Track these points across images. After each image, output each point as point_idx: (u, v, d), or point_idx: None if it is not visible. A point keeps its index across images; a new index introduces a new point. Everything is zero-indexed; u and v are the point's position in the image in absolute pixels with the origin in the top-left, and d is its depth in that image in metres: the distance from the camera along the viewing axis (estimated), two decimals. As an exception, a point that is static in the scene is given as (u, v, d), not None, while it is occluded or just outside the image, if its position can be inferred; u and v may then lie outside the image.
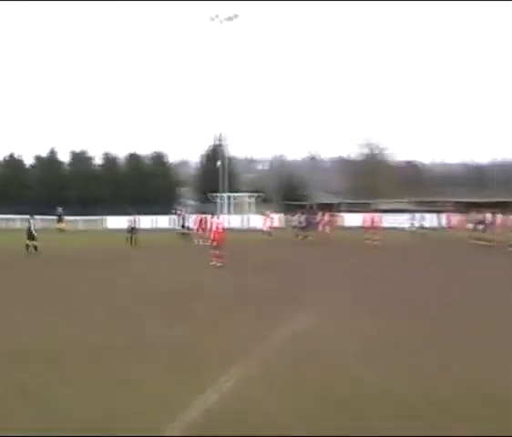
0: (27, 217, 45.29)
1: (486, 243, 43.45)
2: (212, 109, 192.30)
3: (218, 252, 32.85)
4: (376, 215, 52.22)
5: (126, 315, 19.48)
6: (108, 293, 24.65)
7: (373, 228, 48.46)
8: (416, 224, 57.74)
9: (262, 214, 60.54)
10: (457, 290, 24.41)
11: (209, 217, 46.87)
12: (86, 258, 40.26)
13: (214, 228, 34.55)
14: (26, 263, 37.26)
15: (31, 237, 42.50)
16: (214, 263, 32.07)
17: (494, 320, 18.12)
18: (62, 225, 66.99)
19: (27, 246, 41.86)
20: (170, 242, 51.39)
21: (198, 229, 49.23)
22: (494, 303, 21.01)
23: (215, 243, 33.44)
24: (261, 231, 54.58)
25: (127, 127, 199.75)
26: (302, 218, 54.67)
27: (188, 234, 53.19)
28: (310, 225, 56.76)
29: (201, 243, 44.68)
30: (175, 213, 63.03)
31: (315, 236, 51.45)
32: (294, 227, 55.79)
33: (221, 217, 53.83)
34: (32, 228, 43.08)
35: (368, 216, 51.19)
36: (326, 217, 53.75)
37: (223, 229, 34.87)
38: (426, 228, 56.25)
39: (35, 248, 41.66)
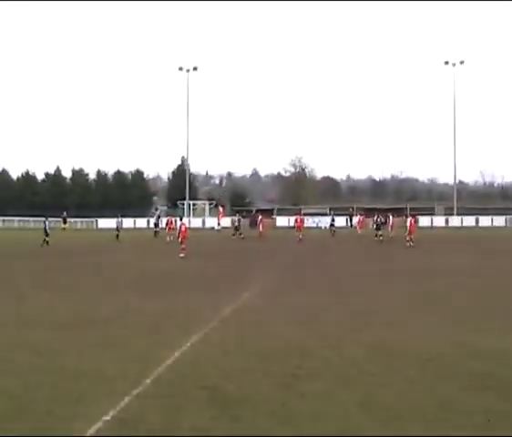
0: (43, 219, 45.83)
1: (382, 238, 44.27)
2: (178, 133, 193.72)
3: (183, 246, 32.81)
4: (301, 217, 53.05)
5: (111, 290, 19.62)
6: (99, 275, 24.82)
7: (299, 227, 49.05)
8: (328, 224, 58.78)
9: (217, 207, 60.38)
10: (359, 271, 24.80)
11: (176, 219, 46.93)
12: (83, 249, 41.12)
13: (180, 228, 34.62)
14: (42, 253, 37.44)
15: (46, 234, 43.32)
16: (182, 255, 32.05)
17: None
18: (65, 225, 67.36)
19: (44, 241, 42.48)
20: (147, 239, 51.12)
21: (167, 228, 49.02)
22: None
23: (181, 239, 33.46)
24: (213, 228, 54.65)
25: (114, 148, 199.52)
26: (236, 219, 54.56)
27: (159, 232, 52.93)
28: (251, 224, 56.90)
29: (171, 239, 44.59)
30: (152, 215, 62.84)
31: (254, 233, 51.78)
32: (233, 227, 55.44)
33: (185, 219, 53.61)
34: (47, 227, 44.14)
35: (296, 217, 52.12)
36: (261, 219, 53.95)
37: (186, 229, 34.92)
38: (336, 227, 56.91)
39: (47, 242, 42.44)
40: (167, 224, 50.06)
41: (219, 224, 63.47)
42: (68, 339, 12.35)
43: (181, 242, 33.16)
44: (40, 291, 19.76)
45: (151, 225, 60.77)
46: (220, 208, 60.85)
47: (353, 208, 77.14)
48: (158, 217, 58.36)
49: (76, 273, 25.45)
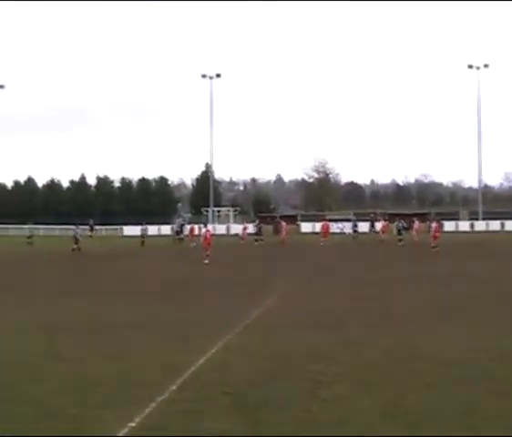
0: (73, 227, 46.72)
1: (403, 243, 44.34)
2: (202, 139, 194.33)
3: (207, 253, 33.02)
4: (327, 223, 53.31)
5: (137, 296, 19.86)
6: (126, 281, 25.19)
7: (325, 233, 49.17)
8: (351, 230, 58.85)
9: (242, 223, 60.69)
10: (379, 276, 24.73)
11: (200, 225, 47.46)
12: (110, 256, 41.86)
13: (204, 235, 34.79)
14: (72, 259, 38.56)
15: (76, 241, 43.93)
16: (206, 261, 32.27)
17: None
18: (92, 233, 67.90)
19: (73, 248, 42.95)
20: (171, 245, 51.45)
21: (190, 235, 49.23)
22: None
23: (205, 246, 33.61)
24: (239, 237, 54.78)
25: (138, 155, 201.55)
26: (252, 226, 54.90)
27: (182, 239, 53.23)
28: (274, 231, 57.03)
29: (193, 246, 44.96)
30: (175, 222, 62.95)
31: (277, 239, 51.94)
32: (251, 234, 55.49)
33: (209, 226, 53.86)
34: (77, 234, 44.95)
35: (323, 223, 52.34)
36: (284, 224, 54.07)
37: (211, 235, 35.15)
38: (359, 233, 56.95)
39: (79, 249, 42.99)
40: (190, 231, 50.48)
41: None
42: (93, 344, 12.57)
43: (206, 248, 33.35)
44: (67, 297, 20.08)
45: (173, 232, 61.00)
46: (246, 225, 60.49)
47: (375, 213, 76.78)
48: (182, 224, 58.74)
49: (103, 279, 25.91)
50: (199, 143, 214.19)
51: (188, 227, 56.65)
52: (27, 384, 9.56)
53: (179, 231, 56.02)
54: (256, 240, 51.20)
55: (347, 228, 64.54)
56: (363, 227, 64.57)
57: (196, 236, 48.06)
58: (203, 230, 37.17)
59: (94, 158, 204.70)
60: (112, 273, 28.81)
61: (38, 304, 18.60)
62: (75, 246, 43.18)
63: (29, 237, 54.58)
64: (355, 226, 57.87)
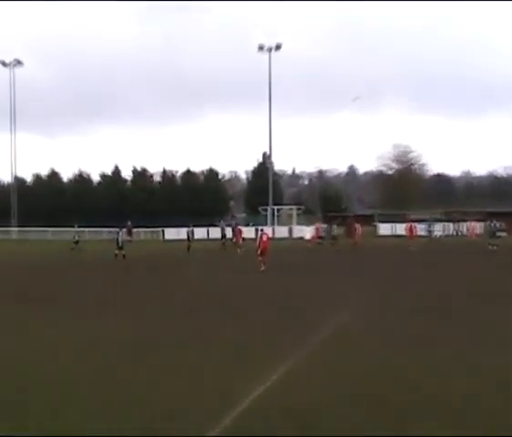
0: (117, 229, 48.25)
1: (496, 248, 44.73)
2: (259, 125, 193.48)
3: (263, 259, 33.48)
4: (413, 224, 53.41)
5: (184, 310, 20.51)
6: (171, 293, 25.88)
7: (411, 236, 49.35)
8: (439, 231, 58.78)
9: (312, 224, 60.84)
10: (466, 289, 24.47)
11: (245, 229, 48.23)
12: (153, 263, 43.29)
13: (260, 238, 35.06)
14: (114, 267, 39.77)
15: (119, 247, 45.02)
16: (262, 268, 32.72)
17: None
18: (131, 237, 68.72)
19: (116, 254, 44.23)
20: (221, 251, 52.16)
21: (236, 239, 49.58)
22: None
23: (260, 250, 33.99)
24: (307, 241, 55.02)
25: (182, 144, 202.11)
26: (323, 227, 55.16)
27: (224, 244, 53.66)
28: (347, 233, 57.11)
29: (241, 251, 45.69)
30: (221, 225, 63.24)
31: (348, 243, 51.96)
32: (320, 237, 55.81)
33: (265, 228, 54.22)
34: (120, 239, 45.88)
35: (408, 225, 52.45)
36: (357, 226, 54.10)
37: (268, 239, 35.46)
38: (445, 235, 56.88)
39: (124, 256, 43.89)
40: (235, 234, 50.71)
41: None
42: (139, 364, 13.09)
43: (261, 254, 33.77)
44: (108, 311, 20.82)
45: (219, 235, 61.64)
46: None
47: (462, 213, 75.99)
48: (222, 227, 59.29)
49: (147, 290, 26.69)
50: (254, 129, 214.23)
51: (232, 229, 57.10)
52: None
53: (224, 235, 56.51)
54: (332, 244, 51.54)
55: (435, 229, 64.18)
56: (451, 228, 65.02)
57: (243, 240, 48.59)
58: (259, 233, 37.47)
59: (129, 149, 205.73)
60: (157, 284, 29.57)
61: (84, 318, 19.43)
62: (117, 252, 44.32)
63: (76, 242, 55.91)
64: (432, 227, 58.18)
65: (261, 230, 38.31)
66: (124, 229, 48.91)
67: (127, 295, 25.21)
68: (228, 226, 61.07)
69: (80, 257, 48.44)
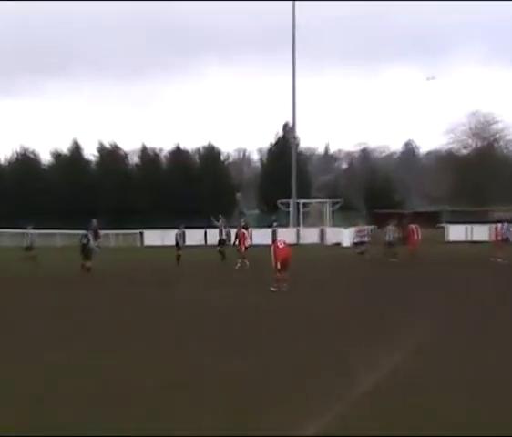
0: (84, 232, 48.17)
1: None
2: (277, 89, 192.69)
3: (281, 275, 33.48)
4: (503, 225, 53.11)
5: (175, 343, 20.73)
6: (156, 319, 26.27)
7: (500, 243, 49.12)
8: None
9: (354, 226, 60.80)
10: None
11: (246, 232, 48.45)
12: (131, 278, 43.68)
13: (276, 246, 34.52)
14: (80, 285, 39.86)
15: (87, 256, 45.14)
16: (275, 288, 32.95)
17: None
18: (98, 242, 68.34)
19: (82, 266, 44.61)
20: (222, 262, 51.97)
21: (239, 245, 49.39)
22: None
23: (279, 263, 33.69)
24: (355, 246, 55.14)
25: (169, 112, 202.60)
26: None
27: (223, 252, 53.29)
28: (403, 239, 57.23)
29: (237, 266, 45.87)
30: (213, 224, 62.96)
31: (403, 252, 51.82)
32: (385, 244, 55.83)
33: (287, 230, 54.25)
34: (90, 244, 46.15)
35: (494, 227, 52.54)
36: (414, 229, 53.91)
37: (286, 246, 34.91)
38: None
39: (88, 269, 44.26)
40: (238, 239, 50.46)
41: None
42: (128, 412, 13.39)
43: (281, 268, 33.79)
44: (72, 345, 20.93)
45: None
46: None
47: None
48: (220, 230, 58.91)
49: (120, 317, 26.98)
50: (272, 92, 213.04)
51: (233, 231, 56.64)
52: None
53: (222, 240, 56.04)
54: (384, 253, 51.47)
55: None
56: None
57: (246, 249, 48.16)
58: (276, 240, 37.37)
59: (93, 117, 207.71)
60: (134, 305, 30.01)
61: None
62: (86, 263, 44.64)
63: (28, 248, 54.73)
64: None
65: (274, 233, 37.99)
66: (91, 232, 48.58)
67: (96, 324, 25.39)
68: (232, 227, 60.34)
69: (35, 270, 48.37)
